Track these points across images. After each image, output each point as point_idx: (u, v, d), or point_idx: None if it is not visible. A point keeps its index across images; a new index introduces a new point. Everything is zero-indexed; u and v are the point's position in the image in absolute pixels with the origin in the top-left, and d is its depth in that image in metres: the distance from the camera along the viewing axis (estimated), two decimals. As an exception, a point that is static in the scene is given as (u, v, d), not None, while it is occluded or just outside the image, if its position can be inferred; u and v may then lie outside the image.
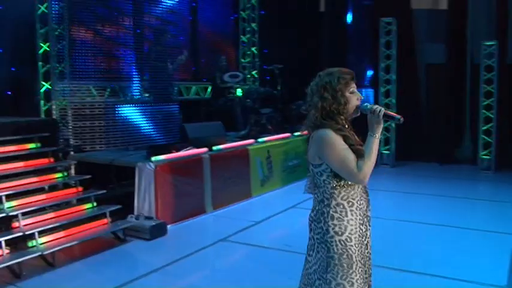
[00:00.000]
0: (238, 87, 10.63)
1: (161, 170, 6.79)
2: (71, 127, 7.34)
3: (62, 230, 5.79)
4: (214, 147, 7.91)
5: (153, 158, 6.83)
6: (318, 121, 2.72)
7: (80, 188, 6.54)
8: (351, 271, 2.70)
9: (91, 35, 7.68)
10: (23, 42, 7.38)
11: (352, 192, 2.73)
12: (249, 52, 11.97)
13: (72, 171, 7.05)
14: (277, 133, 9.84)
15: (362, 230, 2.77)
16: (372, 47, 11.65)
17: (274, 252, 5.87)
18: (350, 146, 2.65)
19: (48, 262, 5.36)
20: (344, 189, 2.71)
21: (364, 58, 11.80)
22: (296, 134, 10.19)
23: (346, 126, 2.76)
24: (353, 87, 2.76)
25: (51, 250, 5.40)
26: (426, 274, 5.07)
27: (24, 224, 5.53)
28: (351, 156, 2.61)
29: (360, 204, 2.76)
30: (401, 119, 2.69)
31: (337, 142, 2.63)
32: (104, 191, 6.55)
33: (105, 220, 6.27)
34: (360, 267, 2.73)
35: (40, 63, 7.37)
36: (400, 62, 11.34)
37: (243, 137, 9.30)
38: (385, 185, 9.45)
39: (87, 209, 6.33)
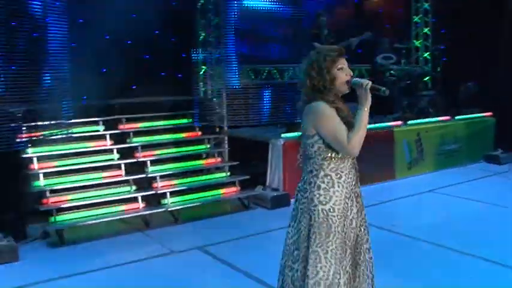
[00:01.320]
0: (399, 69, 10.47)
1: (289, 145, 7.33)
2: (225, 106, 8.27)
3: (194, 192, 6.78)
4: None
5: (282, 135, 7.41)
6: (309, 97, 2.88)
7: (219, 159, 7.49)
8: (327, 240, 2.80)
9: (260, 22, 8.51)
10: (189, 31, 8.52)
11: (342, 165, 2.83)
12: (421, 33, 11.62)
13: (225, 144, 7.97)
14: (435, 116, 9.55)
15: (347, 203, 2.86)
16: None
17: (376, 231, 5.98)
18: (342, 118, 2.80)
19: (175, 218, 6.39)
20: (334, 161, 2.82)
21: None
22: (458, 117, 9.75)
23: (337, 102, 2.87)
24: (341, 63, 2.86)
25: (177, 207, 6.43)
26: None
27: (162, 185, 6.64)
28: (342, 128, 2.74)
29: (348, 178, 2.85)
30: (387, 91, 2.79)
31: (331, 114, 2.77)
32: (237, 162, 7.37)
33: (234, 188, 7.10)
34: (338, 238, 2.80)
35: (200, 49, 8.46)
36: None
37: (395, 120, 9.25)
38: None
39: (220, 177, 7.23)
